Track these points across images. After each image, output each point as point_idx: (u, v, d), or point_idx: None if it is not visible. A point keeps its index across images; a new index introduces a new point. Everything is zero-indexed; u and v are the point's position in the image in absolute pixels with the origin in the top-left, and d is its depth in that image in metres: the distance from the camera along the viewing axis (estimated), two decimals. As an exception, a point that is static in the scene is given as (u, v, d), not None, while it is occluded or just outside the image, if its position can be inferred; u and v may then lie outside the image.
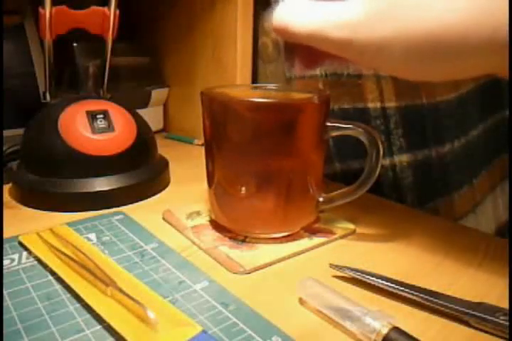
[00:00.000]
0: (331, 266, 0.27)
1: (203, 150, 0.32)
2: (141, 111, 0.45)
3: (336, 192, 0.31)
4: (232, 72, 0.51)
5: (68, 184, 0.36)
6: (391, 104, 0.41)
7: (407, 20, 0.20)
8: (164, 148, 0.47)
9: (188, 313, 0.23)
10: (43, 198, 0.37)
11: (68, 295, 0.24)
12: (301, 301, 0.24)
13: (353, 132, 0.28)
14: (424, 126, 0.42)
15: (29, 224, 0.33)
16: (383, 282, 0.25)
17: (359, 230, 0.33)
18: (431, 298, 0.23)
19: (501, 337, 0.22)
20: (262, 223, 0.31)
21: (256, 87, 0.37)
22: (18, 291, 0.25)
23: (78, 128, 0.37)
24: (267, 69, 0.50)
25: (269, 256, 0.29)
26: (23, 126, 0.40)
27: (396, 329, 0.20)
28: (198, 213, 0.35)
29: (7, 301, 0.24)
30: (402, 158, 0.42)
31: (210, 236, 0.31)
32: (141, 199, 0.39)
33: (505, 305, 0.23)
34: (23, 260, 0.28)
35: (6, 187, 0.40)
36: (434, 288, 0.24)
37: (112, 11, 0.39)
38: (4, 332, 0.21)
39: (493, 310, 0.22)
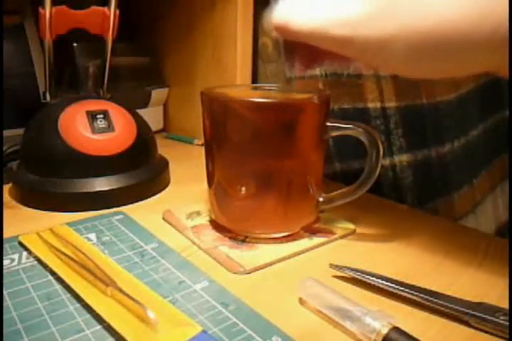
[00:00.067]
0: (331, 266, 0.27)
1: (203, 150, 0.32)
2: (141, 111, 0.45)
3: (335, 192, 0.31)
4: (232, 72, 0.51)
5: (68, 184, 0.36)
6: (391, 104, 0.41)
7: (408, 18, 0.20)
8: (164, 148, 0.47)
9: (188, 313, 0.23)
10: (43, 198, 0.37)
11: (68, 295, 0.24)
12: (301, 301, 0.24)
13: (353, 132, 0.28)
14: (424, 126, 0.42)
15: (29, 224, 0.33)
16: (383, 282, 0.25)
17: (359, 230, 0.33)
18: (431, 298, 0.23)
19: (501, 337, 0.22)
20: (262, 223, 0.31)
21: (256, 87, 0.37)
22: (18, 291, 0.25)
23: (78, 128, 0.37)
24: (267, 69, 0.50)
25: (269, 256, 0.29)
26: (23, 126, 0.40)
27: (396, 329, 0.20)
28: (198, 213, 0.35)
29: (7, 301, 0.24)
30: (402, 158, 0.42)
31: (210, 236, 0.31)
32: (141, 199, 0.39)
33: (505, 305, 0.23)
34: (23, 260, 0.28)
35: (6, 187, 0.40)
36: (434, 288, 0.24)
37: (112, 11, 0.39)
38: (4, 332, 0.21)
39: (493, 310, 0.22)
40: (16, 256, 0.28)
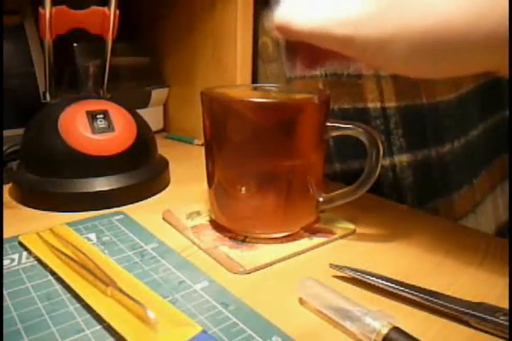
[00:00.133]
0: (331, 266, 0.27)
1: (203, 150, 0.32)
2: (141, 111, 0.45)
3: (335, 192, 0.31)
4: (232, 72, 0.51)
5: (68, 184, 0.36)
6: (391, 104, 0.41)
7: (409, 17, 0.20)
8: (164, 148, 0.47)
9: (188, 313, 0.23)
10: (43, 198, 0.37)
11: (68, 295, 0.24)
12: (301, 301, 0.24)
13: (353, 132, 0.28)
14: (424, 126, 0.42)
15: (29, 224, 0.33)
16: (383, 282, 0.25)
17: (359, 230, 0.33)
18: (431, 298, 0.23)
19: (501, 337, 0.22)
20: (262, 223, 0.31)
21: (256, 87, 0.37)
22: (18, 291, 0.25)
23: (78, 128, 0.37)
24: (267, 69, 0.50)
25: (269, 256, 0.29)
26: (23, 126, 0.40)
27: (396, 329, 0.20)
28: (198, 213, 0.35)
29: (7, 301, 0.24)
30: (402, 158, 0.42)
31: (210, 236, 0.31)
32: (141, 199, 0.39)
33: (505, 305, 0.23)
34: (23, 260, 0.28)
35: (6, 187, 0.40)
36: (434, 288, 0.24)
37: (112, 11, 0.39)
38: (4, 332, 0.21)
39: (493, 310, 0.22)
40: (15, 256, 0.28)
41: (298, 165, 0.29)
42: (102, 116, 0.38)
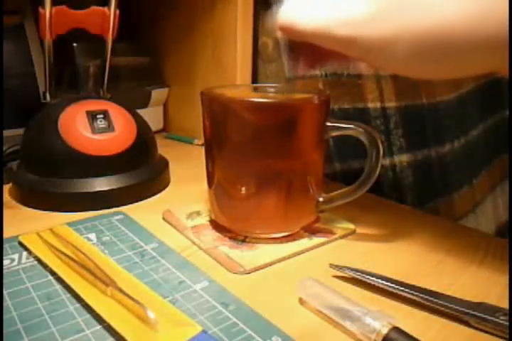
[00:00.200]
0: (331, 266, 0.27)
1: (203, 150, 0.32)
2: (141, 111, 0.45)
3: (335, 192, 0.31)
4: (232, 72, 0.51)
5: (68, 184, 0.36)
6: (391, 104, 0.41)
7: (411, 18, 0.20)
8: (164, 148, 0.47)
9: (188, 313, 0.23)
10: (43, 198, 0.37)
11: (68, 295, 0.24)
12: (301, 301, 0.24)
13: (353, 132, 0.28)
14: (424, 126, 0.42)
15: (29, 224, 0.33)
16: (383, 282, 0.25)
17: (359, 230, 0.33)
18: (431, 298, 0.23)
19: (501, 337, 0.22)
20: (262, 223, 0.31)
21: (256, 87, 0.37)
22: (18, 291, 0.25)
23: (78, 128, 0.37)
24: (267, 69, 0.50)
25: (269, 256, 0.29)
26: (23, 126, 0.40)
27: (396, 329, 0.20)
28: (198, 213, 0.35)
29: (7, 301, 0.24)
30: (402, 158, 0.42)
31: (210, 236, 0.31)
32: (141, 199, 0.39)
33: (505, 305, 0.23)
34: (23, 260, 0.28)
35: (6, 187, 0.40)
36: (434, 288, 0.24)
37: (112, 11, 0.39)
38: (4, 332, 0.21)
39: (493, 310, 0.22)
40: (15, 256, 0.28)
41: (298, 165, 0.29)
42: (102, 116, 0.38)
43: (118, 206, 0.37)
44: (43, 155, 0.37)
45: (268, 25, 0.47)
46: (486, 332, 0.22)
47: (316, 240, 0.31)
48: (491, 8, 0.18)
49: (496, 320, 0.22)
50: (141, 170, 0.40)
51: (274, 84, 0.35)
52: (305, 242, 0.31)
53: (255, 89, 0.36)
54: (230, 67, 0.51)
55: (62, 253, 0.27)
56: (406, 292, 0.24)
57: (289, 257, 0.29)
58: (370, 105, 0.41)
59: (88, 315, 0.23)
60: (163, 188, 0.42)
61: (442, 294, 0.24)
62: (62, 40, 0.38)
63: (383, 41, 0.21)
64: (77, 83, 0.50)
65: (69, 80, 0.51)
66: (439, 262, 0.29)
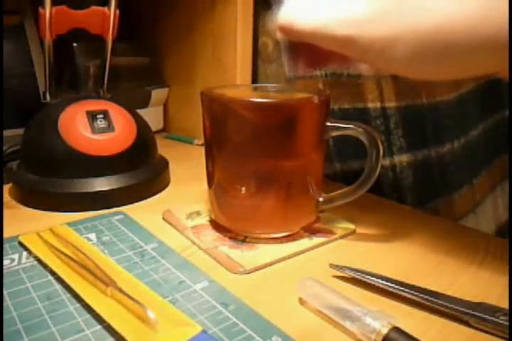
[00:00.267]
0: (331, 266, 0.27)
1: (203, 150, 0.32)
2: (141, 111, 0.45)
3: (335, 192, 0.31)
4: (232, 72, 0.51)
5: (68, 184, 0.36)
6: (391, 104, 0.41)
7: (412, 19, 0.20)
8: (164, 148, 0.47)
9: (188, 313, 0.23)
10: (43, 198, 0.37)
11: (68, 295, 0.24)
12: (301, 301, 0.24)
13: (353, 132, 0.28)
14: (424, 126, 0.42)
15: (29, 224, 0.33)
16: (383, 282, 0.25)
17: (359, 230, 0.33)
18: (431, 298, 0.23)
19: (501, 337, 0.22)
20: (262, 223, 0.31)
21: (256, 87, 0.37)
22: (18, 291, 0.25)
23: (78, 128, 0.37)
24: (267, 69, 0.50)
25: (269, 256, 0.29)
26: (23, 126, 0.40)
27: (396, 329, 0.20)
28: (198, 213, 0.35)
29: (7, 301, 0.24)
30: (402, 158, 0.42)
31: (210, 236, 0.31)
32: (141, 199, 0.39)
33: (505, 305, 0.23)
34: (23, 260, 0.28)
35: (6, 187, 0.40)
36: (434, 288, 0.24)
37: (112, 11, 0.39)
38: (4, 332, 0.21)
39: (493, 310, 0.22)
40: (15, 256, 0.28)
41: (298, 165, 0.29)
42: (102, 116, 0.38)
43: (118, 206, 0.37)
44: (43, 155, 0.37)
45: (268, 26, 0.47)
46: (486, 332, 0.22)
47: (316, 240, 0.31)
48: (491, 8, 0.18)
49: (496, 320, 0.22)
50: (141, 170, 0.40)
51: (274, 84, 0.35)
52: (305, 242, 0.31)
53: (255, 89, 0.36)
54: (230, 67, 0.51)
55: (62, 253, 0.27)
56: (406, 292, 0.24)
57: (289, 257, 0.29)
58: (370, 105, 0.41)
59: (88, 315, 0.23)
60: (163, 188, 0.42)
61: (442, 294, 0.24)
62: (62, 40, 0.38)
63: (383, 41, 0.21)
64: (77, 83, 0.50)
65: (69, 80, 0.51)
66: (439, 262, 0.29)
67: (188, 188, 0.41)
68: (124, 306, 0.22)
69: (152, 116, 0.61)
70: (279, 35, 0.26)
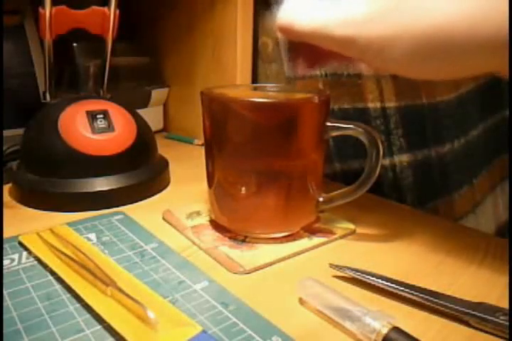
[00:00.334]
0: (331, 266, 0.27)
1: (203, 150, 0.32)
2: (141, 111, 0.45)
3: (335, 192, 0.31)
4: (232, 72, 0.51)
5: (68, 184, 0.36)
6: (391, 104, 0.41)
7: (412, 19, 0.20)
8: (164, 148, 0.47)
9: (188, 313, 0.23)
10: (42, 198, 0.37)
11: (68, 295, 0.24)
12: (301, 301, 0.24)
13: (353, 132, 0.28)
14: (424, 126, 0.42)
15: (29, 224, 0.33)
16: (383, 282, 0.25)
17: (359, 230, 0.33)
18: (431, 298, 0.23)
19: (501, 337, 0.22)
20: (262, 223, 0.31)
21: (256, 87, 0.37)
22: (18, 291, 0.25)
23: (78, 128, 0.37)
24: (267, 69, 0.50)
25: (269, 256, 0.29)
26: (23, 126, 0.40)
27: (396, 329, 0.20)
28: (198, 213, 0.35)
29: (7, 301, 0.24)
30: (402, 158, 0.42)
31: (210, 236, 0.31)
32: (141, 199, 0.39)
33: (505, 305, 0.23)
34: (23, 260, 0.28)
35: (6, 187, 0.40)
36: (434, 288, 0.24)
37: (112, 11, 0.39)
38: (4, 332, 0.21)
39: (493, 310, 0.22)
40: (15, 256, 0.28)
41: (298, 165, 0.29)
42: (102, 116, 0.38)
43: (118, 206, 0.37)
44: (43, 155, 0.37)
45: (268, 25, 0.47)
46: (486, 332, 0.22)
47: (316, 240, 0.31)
48: (491, 8, 0.18)
49: (496, 320, 0.22)
50: (141, 170, 0.40)
51: (274, 84, 0.35)
52: (305, 242, 0.31)
53: (255, 89, 0.36)
54: (230, 67, 0.51)
55: (62, 253, 0.27)
56: (406, 292, 0.24)
57: (289, 257, 0.29)
58: (370, 105, 0.41)
59: (88, 315, 0.23)
60: (163, 188, 0.42)
61: (442, 294, 0.24)
62: (62, 40, 0.38)
63: (382, 41, 0.21)
64: (77, 83, 0.50)
65: (69, 80, 0.51)
66: (439, 262, 0.29)
67: (188, 188, 0.41)
68: (124, 306, 0.22)
69: (152, 116, 0.61)
70: (278, 35, 0.26)
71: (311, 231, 0.32)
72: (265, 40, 0.49)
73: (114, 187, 0.37)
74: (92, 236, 0.31)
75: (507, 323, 0.21)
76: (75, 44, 0.50)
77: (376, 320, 0.21)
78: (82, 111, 0.38)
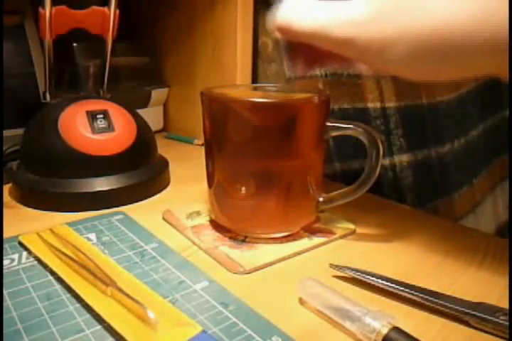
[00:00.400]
0: (331, 266, 0.27)
1: (203, 150, 0.32)
2: (141, 111, 0.45)
3: (335, 192, 0.31)
4: (232, 72, 0.51)
5: (68, 184, 0.36)
6: (391, 104, 0.41)
7: (413, 20, 0.20)
8: (164, 148, 0.47)
9: (188, 313, 0.23)
10: (42, 198, 0.37)
11: (68, 295, 0.24)
12: (301, 301, 0.24)
13: (353, 132, 0.28)
14: (424, 126, 0.42)
15: (29, 224, 0.33)
16: (383, 282, 0.25)
17: (359, 230, 0.33)
18: (431, 298, 0.23)
19: (501, 337, 0.22)
20: (262, 223, 0.31)
21: (256, 87, 0.37)
22: (18, 291, 0.25)
23: (78, 128, 0.37)
24: (267, 69, 0.50)
25: (269, 256, 0.29)
26: (23, 126, 0.40)
27: (396, 329, 0.20)
28: (198, 213, 0.35)
29: (7, 301, 0.24)
30: (402, 158, 0.42)
31: (210, 236, 0.31)
32: (141, 199, 0.39)
33: (505, 305, 0.23)
34: (23, 260, 0.28)
35: (6, 187, 0.40)
36: (434, 288, 0.24)
37: (112, 11, 0.39)
38: (4, 332, 0.21)
39: (493, 310, 0.22)
40: (15, 256, 0.28)
41: (298, 165, 0.29)
42: (102, 116, 0.38)
43: (118, 206, 0.37)
44: (43, 155, 0.37)
45: (268, 25, 0.47)
46: (486, 332, 0.22)
47: (316, 240, 0.31)
48: (492, 10, 0.18)
49: (496, 320, 0.22)
50: (141, 170, 0.40)
51: (274, 84, 0.35)
52: (305, 242, 0.31)
53: (255, 89, 0.36)
54: (230, 67, 0.51)
55: (62, 253, 0.27)
56: (406, 292, 0.24)
57: (289, 257, 0.29)
58: (370, 105, 0.41)
59: (88, 315, 0.23)
60: (163, 188, 0.42)
61: (442, 294, 0.24)
62: (62, 40, 0.38)
63: (382, 42, 0.21)
64: (77, 83, 0.50)
65: (69, 80, 0.51)
66: (438, 262, 0.29)
67: (188, 188, 0.41)
68: (124, 306, 0.22)
69: (152, 116, 0.61)
70: (277, 35, 0.26)
71: (311, 231, 0.32)
72: (265, 40, 0.49)
73: (114, 187, 0.37)
74: (92, 236, 0.31)
75: (507, 323, 0.21)
76: (75, 44, 0.50)
77: (376, 320, 0.21)
78: (82, 111, 0.38)
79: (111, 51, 0.41)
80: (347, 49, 0.23)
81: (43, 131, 0.38)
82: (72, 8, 0.37)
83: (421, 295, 0.24)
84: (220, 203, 0.31)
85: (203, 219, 0.34)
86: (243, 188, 0.29)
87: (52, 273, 0.26)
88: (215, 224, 0.33)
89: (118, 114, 0.39)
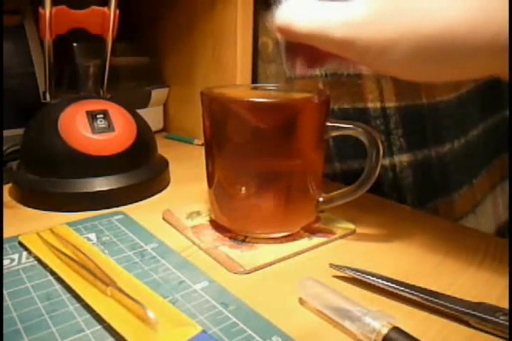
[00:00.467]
0: (331, 266, 0.27)
1: (203, 150, 0.32)
2: (141, 111, 0.45)
3: (335, 192, 0.31)
4: (232, 72, 0.51)
5: (68, 184, 0.36)
6: (391, 104, 0.41)
7: (413, 21, 0.20)
8: (164, 148, 0.47)
9: (188, 313, 0.23)
10: (42, 198, 0.37)
11: (68, 295, 0.24)
12: (301, 301, 0.24)
13: (353, 132, 0.28)
14: (424, 126, 0.42)
15: (29, 224, 0.33)
16: (383, 282, 0.25)
17: (359, 230, 0.33)
18: (431, 298, 0.23)
19: (501, 337, 0.22)
20: (262, 223, 0.31)
21: (256, 87, 0.37)
22: (18, 291, 0.25)
23: (78, 128, 0.37)
24: (267, 69, 0.50)
25: (269, 256, 0.29)
26: (23, 126, 0.40)
27: (396, 329, 0.20)
28: (198, 213, 0.35)
29: (7, 301, 0.24)
30: (402, 158, 0.42)
31: (210, 236, 0.31)
32: (141, 199, 0.39)
33: (505, 305, 0.23)
34: (23, 260, 0.28)
35: (6, 187, 0.40)
36: (434, 288, 0.24)
37: (112, 11, 0.39)
38: (4, 332, 0.21)
39: (493, 310, 0.22)
40: (15, 256, 0.28)
41: (298, 165, 0.29)
42: (102, 116, 0.38)
43: (118, 206, 0.37)
44: (43, 155, 0.37)
45: (268, 25, 0.47)
46: (486, 332, 0.22)
47: (316, 240, 0.31)
48: (493, 12, 0.18)
49: (496, 320, 0.22)
50: (141, 170, 0.40)
51: (274, 84, 0.35)
52: (305, 242, 0.31)
53: (255, 89, 0.36)
54: (230, 67, 0.51)
55: (62, 253, 0.27)
56: (406, 292, 0.24)
57: (289, 257, 0.29)
58: (370, 105, 0.41)
59: (88, 315, 0.23)
60: (163, 188, 0.42)
61: (442, 294, 0.24)
62: (62, 40, 0.38)
63: (383, 43, 0.21)
64: (77, 83, 0.50)
65: (69, 80, 0.51)
66: (438, 262, 0.29)
67: (188, 188, 0.41)
68: (124, 306, 0.22)
69: (152, 116, 0.61)
70: (277, 35, 0.26)
71: (311, 231, 0.32)
72: (265, 40, 0.49)
73: (114, 187, 0.37)
74: (92, 236, 0.31)
75: (507, 323, 0.21)
76: (75, 44, 0.50)
77: (376, 320, 0.21)
78: (82, 111, 0.38)
79: (111, 51, 0.41)
80: (347, 50, 0.23)
81: (43, 131, 0.38)
82: (72, 8, 0.37)
83: (421, 295, 0.24)
84: (220, 203, 0.31)
85: (203, 219, 0.34)
86: (243, 188, 0.29)
87: (52, 273, 0.26)
88: (215, 224, 0.33)
89: (118, 114, 0.39)
